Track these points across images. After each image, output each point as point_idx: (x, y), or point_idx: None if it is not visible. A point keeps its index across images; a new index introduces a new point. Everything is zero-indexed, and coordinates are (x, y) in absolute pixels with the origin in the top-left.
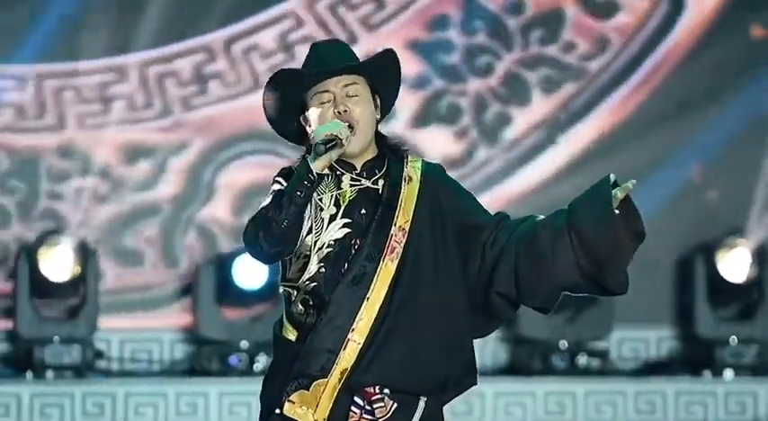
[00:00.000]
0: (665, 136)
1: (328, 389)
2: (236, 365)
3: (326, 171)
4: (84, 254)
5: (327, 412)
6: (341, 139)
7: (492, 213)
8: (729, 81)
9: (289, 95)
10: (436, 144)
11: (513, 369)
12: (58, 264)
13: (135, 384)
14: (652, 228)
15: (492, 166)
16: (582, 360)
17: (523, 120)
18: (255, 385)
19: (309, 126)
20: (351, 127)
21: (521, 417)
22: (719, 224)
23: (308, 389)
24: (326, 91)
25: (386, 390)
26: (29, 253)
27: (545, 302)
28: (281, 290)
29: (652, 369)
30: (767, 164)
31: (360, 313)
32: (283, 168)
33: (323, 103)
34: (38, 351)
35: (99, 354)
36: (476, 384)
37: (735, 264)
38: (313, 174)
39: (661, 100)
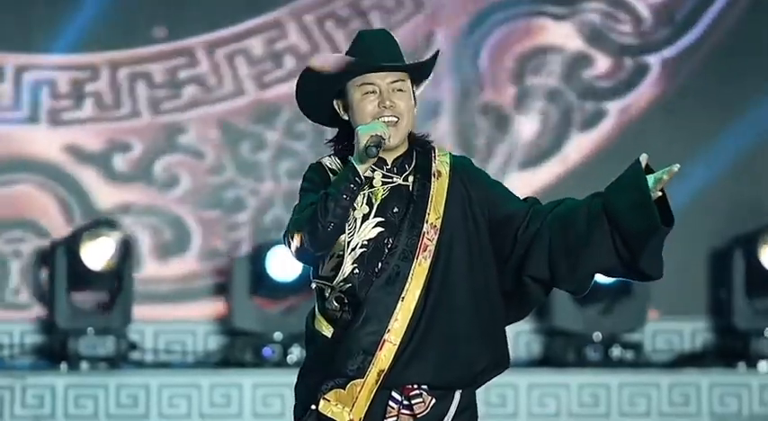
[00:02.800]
0: (702, 125)
1: (365, 389)
2: (270, 357)
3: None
4: (121, 245)
5: (364, 411)
6: (385, 139)
7: (522, 199)
8: (766, 70)
9: (330, 81)
10: None
11: (547, 361)
12: (93, 255)
13: (169, 375)
14: (687, 220)
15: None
16: (616, 352)
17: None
18: (289, 376)
19: (347, 113)
20: (396, 121)
21: (554, 409)
22: (758, 215)
23: (344, 389)
24: (372, 83)
25: (423, 386)
26: (66, 244)
27: (579, 286)
28: (313, 285)
29: (686, 361)
30: None
31: (395, 314)
32: (312, 165)
33: (367, 94)
34: (72, 342)
35: (133, 346)
36: (509, 367)
37: None
38: (360, 177)
39: (696, 88)
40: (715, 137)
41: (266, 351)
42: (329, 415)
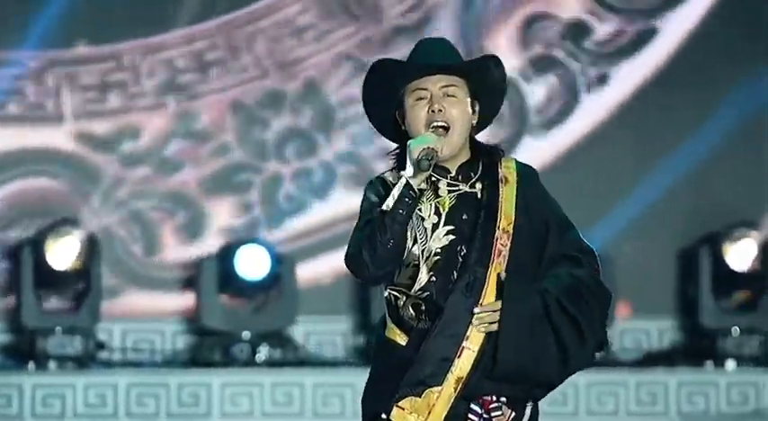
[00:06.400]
0: (668, 126)
1: (443, 397)
2: (239, 356)
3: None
4: (88, 245)
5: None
6: (437, 151)
7: (563, 238)
8: (738, 63)
9: (387, 88)
10: None
11: None
12: (62, 254)
13: (137, 375)
14: (655, 219)
15: None
16: None
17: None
18: (257, 376)
19: (405, 122)
20: (446, 128)
21: None
22: (725, 214)
23: (420, 397)
24: (424, 89)
25: (502, 399)
26: (33, 243)
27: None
28: (386, 294)
29: (654, 360)
30: None
31: (473, 321)
32: (371, 180)
33: (419, 100)
34: (40, 341)
35: (101, 345)
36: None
37: (741, 255)
38: (414, 191)
39: (665, 85)
40: (682, 137)
41: (235, 350)
42: None
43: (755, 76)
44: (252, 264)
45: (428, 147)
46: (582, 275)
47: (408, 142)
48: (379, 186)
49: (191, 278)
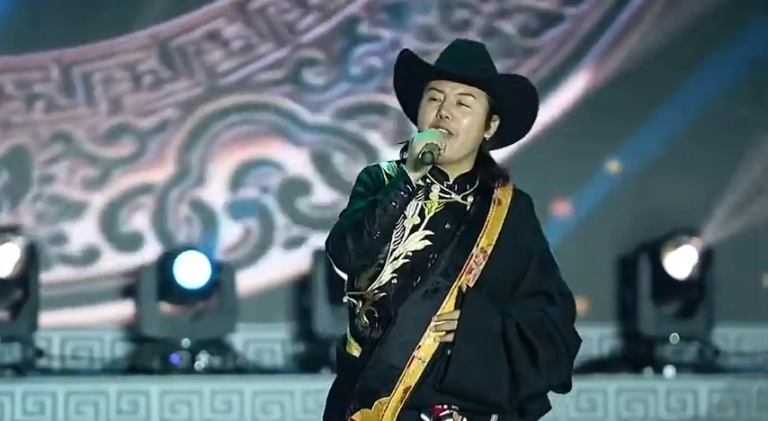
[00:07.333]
0: (607, 133)
1: (390, 407)
2: (178, 363)
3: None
4: (27, 252)
5: None
6: (441, 149)
7: (544, 275)
8: (680, 66)
9: (413, 80)
10: None
11: None
12: (3, 261)
13: (76, 382)
14: (593, 226)
15: None
16: None
17: None
18: (196, 383)
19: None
20: (448, 134)
21: None
22: (665, 221)
23: (371, 408)
24: (440, 91)
25: (454, 406)
26: None
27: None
28: (345, 300)
29: (593, 367)
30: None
31: (427, 330)
32: (367, 167)
33: (432, 101)
34: None
35: (40, 353)
36: (550, 408)
37: (680, 262)
38: (412, 185)
39: (601, 97)
40: (620, 144)
41: (174, 358)
42: None
43: (696, 81)
44: (191, 271)
45: (431, 143)
46: (552, 313)
47: (412, 136)
48: (374, 175)
49: (130, 286)
